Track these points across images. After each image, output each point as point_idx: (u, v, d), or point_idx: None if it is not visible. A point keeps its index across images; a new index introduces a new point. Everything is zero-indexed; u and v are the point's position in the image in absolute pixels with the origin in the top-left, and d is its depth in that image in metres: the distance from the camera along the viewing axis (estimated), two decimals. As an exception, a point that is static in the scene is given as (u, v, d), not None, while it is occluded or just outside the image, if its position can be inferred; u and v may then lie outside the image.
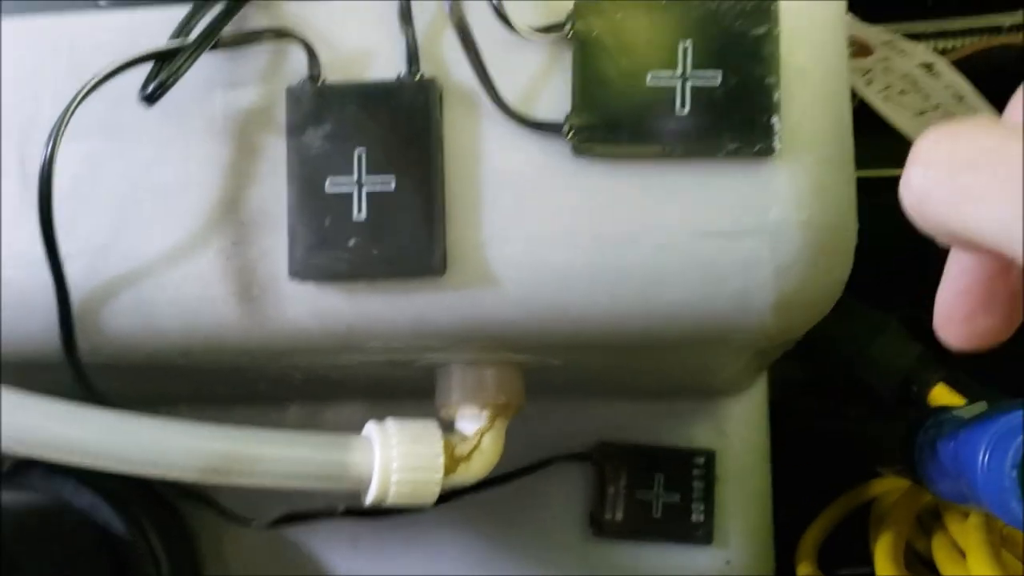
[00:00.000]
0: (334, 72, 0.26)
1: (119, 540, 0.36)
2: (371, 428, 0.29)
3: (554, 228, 0.25)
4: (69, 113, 0.25)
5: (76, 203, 0.27)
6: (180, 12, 0.26)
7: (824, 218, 0.25)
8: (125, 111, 0.27)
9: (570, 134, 0.25)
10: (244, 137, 0.26)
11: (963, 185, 0.16)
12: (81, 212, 0.27)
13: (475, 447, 0.31)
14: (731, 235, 0.25)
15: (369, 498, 0.29)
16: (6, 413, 0.25)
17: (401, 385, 0.35)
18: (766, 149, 0.24)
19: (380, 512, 0.38)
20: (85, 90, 0.25)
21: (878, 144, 0.28)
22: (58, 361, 0.28)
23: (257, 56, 0.26)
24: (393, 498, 0.29)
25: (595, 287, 0.26)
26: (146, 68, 0.25)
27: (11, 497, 0.35)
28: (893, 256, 0.42)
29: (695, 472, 0.41)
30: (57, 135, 0.25)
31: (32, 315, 0.27)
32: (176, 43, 0.25)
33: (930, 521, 0.43)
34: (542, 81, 0.25)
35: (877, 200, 0.27)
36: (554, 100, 0.25)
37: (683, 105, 0.24)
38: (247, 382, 0.36)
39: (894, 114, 0.31)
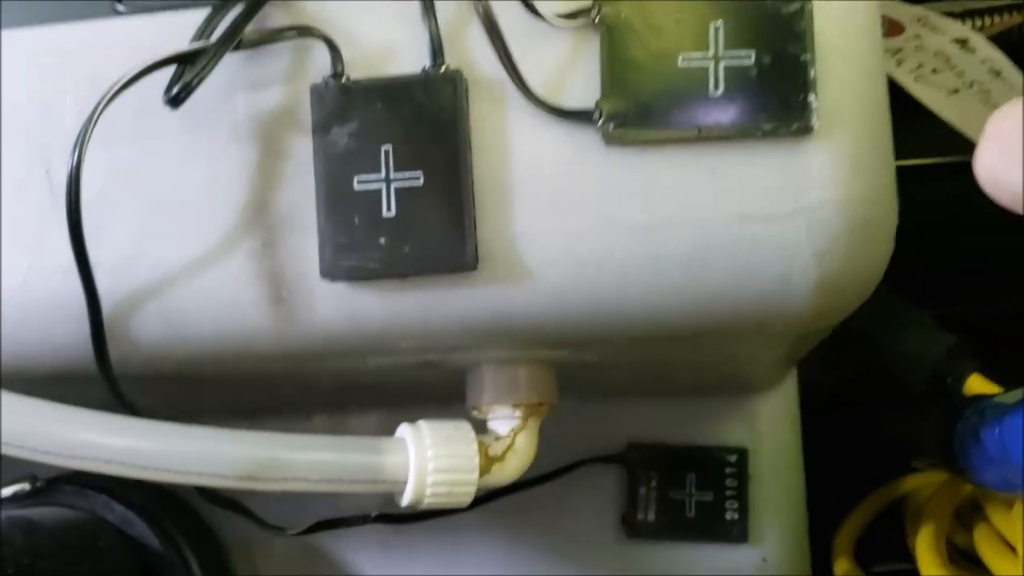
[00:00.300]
0: (358, 69, 0.25)
1: (153, 554, 0.36)
2: (405, 430, 0.29)
3: (587, 218, 0.25)
4: (94, 120, 0.25)
5: (103, 212, 0.27)
6: (200, 15, 0.26)
7: (864, 198, 0.25)
8: (149, 118, 0.27)
9: (601, 121, 0.25)
10: (269, 138, 0.26)
11: None
12: (108, 221, 0.27)
13: (509, 447, 0.31)
14: (769, 218, 0.24)
15: (405, 500, 0.28)
16: (44, 424, 0.25)
17: (430, 390, 0.35)
18: (804, 128, 0.24)
19: (411, 517, 0.38)
20: (109, 95, 0.25)
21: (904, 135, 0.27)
22: (89, 373, 0.27)
23: (279, 56, 0.26)
24: (429, 500, 0.28)
25: (631, 277, 0.25)
26: (168, 72, 0.25)
27: (44, 513, 0.35)
28: (924, 249, 0.42)
29: (727, 470, 0.40)
30: (83, 143, 0.25)
31: (62, 326, 0.27)
32: (199, 44, 0.25)
33: (968, 515, 0.43)
34: (570, 69, 0.25)
35: (905, 191, 0.26)
36: (583, 88, 0.25)
37: (716, 86, 0.24)
38: (274, 391, 0.36)
39: (926, 94, 0.30)
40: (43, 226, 0.27)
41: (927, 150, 0.46)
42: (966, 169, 0.48)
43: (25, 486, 0.36)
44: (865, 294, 0.26)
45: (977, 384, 0.42)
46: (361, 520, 0.35)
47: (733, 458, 0.40)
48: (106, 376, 0.27)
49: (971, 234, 0.50)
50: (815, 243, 0.25)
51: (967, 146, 0.45)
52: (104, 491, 0.37)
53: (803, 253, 0.25)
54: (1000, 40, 0.30)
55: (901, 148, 0.27)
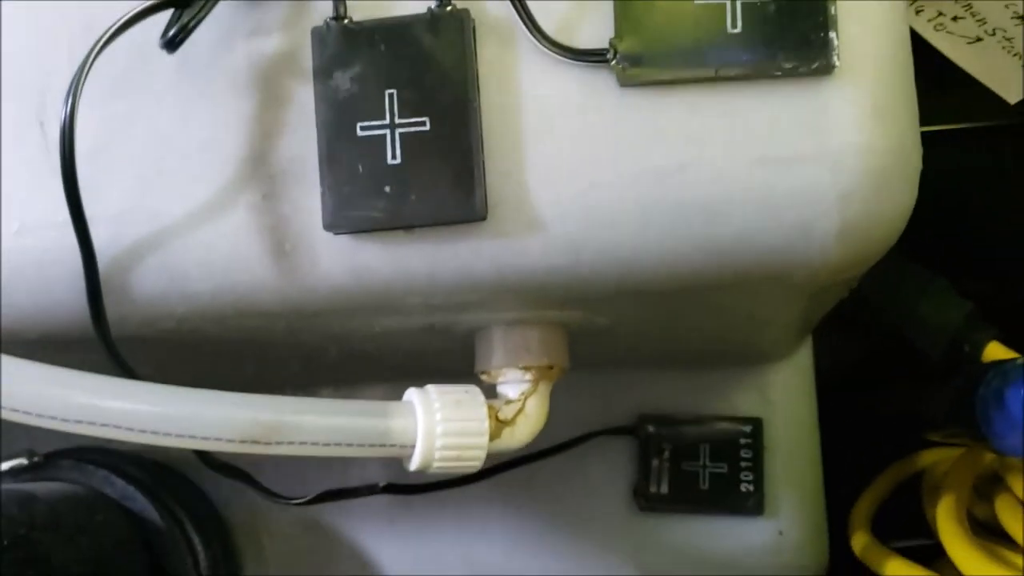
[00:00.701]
0: (360, 10, 0.24)
1: (154, 529, 0.35)
2: (412, 394, 0.28)
3: (601, 164, 0.24)
4: (87, 67, 0.24)
5: (99, 165, 0.26)
6: (197, -39, 0.25)
7: (888, 141, 0.24)
8: (146, 67, 0.26)
9: (615, 62, 0.24)
10: (269, 85, 0.25)
11: None
12: (105, 174, 0.26)
13: (520, 411, 0.30)
14: (790, 162, 0.24)
15: (414, 465, 0.27)
16: (38, 386, 0.24)
17: (438, 362, 0.34)
18: (825, 67, 0.23)
19: (419, 488, 0.37)
20: (102, 41, 0.24)
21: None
22: (86, 334, 0.27)
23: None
24: (438, 464, 0.27)
25: (646, 225, 0.24)
26: (164, 19, 0.24)
27: (43, 487, 0.34)
28: (942, 216, 0.41)
29: (742, 441, 0.40)
30: (76, 92, 0.24)
31: (58, 284, 0.26)
32: (196, -13, 0.24)
33: (988, 487, 0.42)
34: (582, 7, 0.24)
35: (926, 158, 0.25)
36: (596, 27, 0.24)
37: (734, 24, 0.23)
38: (279, 361, 0.35)
39: (946, 44, 0.29)
40: (37, 180, 0.26)
41: (942, 118, 0.46)
42: (980, 136, 0.47)
43: (23, 460, 0.36)
44: (889, 242, 0.25)
45: (996, 352, 0.41)
46: (368, 490, 0.34)
47: (748, 429, 0.39)
48: (102, 336, 0.26)
49: (987, 204, 0.49)
50: (837, 188, 0.24)
51: (978, 113, 0.45)
52: (104, 466, 0.36)
53: (825, 199, 0.24)
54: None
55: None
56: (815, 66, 0.23)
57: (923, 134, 0.25)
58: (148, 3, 0.24)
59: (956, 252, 0.48)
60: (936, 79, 0.34)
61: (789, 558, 0.40)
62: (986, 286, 0.47)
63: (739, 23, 0.23)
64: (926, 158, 0.25)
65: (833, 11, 0.23)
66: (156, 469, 0.38)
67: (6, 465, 0.36)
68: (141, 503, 0.35)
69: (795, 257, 0.24)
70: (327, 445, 0.26)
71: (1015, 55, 0.29)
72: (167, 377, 0.30)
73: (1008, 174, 0.47)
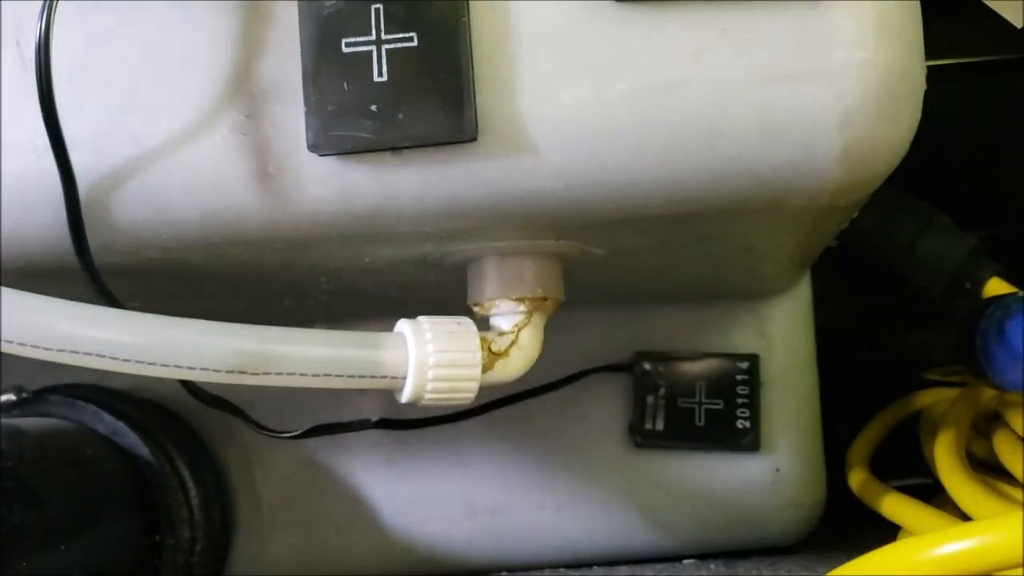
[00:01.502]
0: (347, -77, 0.24)
1: (144, 465, 0.35)
2: (404, 325, 0.27)
3: (596, 83, 0.23)
4: (62, -18, 0.23)
5: (78, 86, 0.25)
6: None
7: (891, 59, 0.23)
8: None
9: (610, -25, 0.23)
10: (252, 2, 0.24)
11: None
12: (84, 95, 0.25)
13: (513, 342, 0.29)
14: (791, 79, 0.23)
15: (405, 396, 0.27)
16: (17, 313, 0.23)
17: (430, 297, 0.34)
18: (827, -22, 0.22)
19: (413, 424, 0.36)
20: (78, -45, 0.23)
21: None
22: (68, 263, 0.26)
23: (263, -89, 0.24)
24: (430, 396, 0.27)
25: (643, 145, 0.23)
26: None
27: (31, 422, 0.34)
28: (945, 152, 0.40)
29: (738, 377, 0.39)
30: (51, 8, 0.23)
31: (38, 210, 0.26)
32: (174, -103, 0.23)
33: (986, 425, 0.42)
34: (577, -82, 0.23)
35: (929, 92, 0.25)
36: (591, -61, 0.23)
37: (734, -66, 0.22)
38: (270, 296, 0.34)
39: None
40: (15, 102, 0.25)
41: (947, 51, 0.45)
42: (984, 70, 0.46)
43: (12, 396, 0.35)
44: (892, 163, 0.24)
45: (997, 287, 0.41)
46: (361, 425, 0.34)
47: (744, 365, 0.39)
48: (85, 263, 0.26)
49: (991, 139, 0.49)
50: (839, 106, 0.23)
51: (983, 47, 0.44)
52: (94, 402, 0.36)
53: (827, 118, 0.23)
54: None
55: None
56: (818, -21, 0.22)
57: (932, 67, 0.25)
58: (124, -87, 0.23)
59: (959, 187, 0.48)
60: (941, 10, 0.33)
61: (786, 495, 0.40)
62: (989, 222, 0.46)
63: (739, -67, 0.22)
64: (929, 93, 0.24)
65: (837, -78, 0.22)
66: (147, 406, 0.37)
67: (-5, 400, 0.36)
68: (131, 439, 0.35)
69: (796, 178, 0.24)
70: (316, 376, 0.26)
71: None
72: (156, 312, 0.29)
73: (1013, 108, 0.47)
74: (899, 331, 0.45)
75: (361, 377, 0.27)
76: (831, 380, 0.42)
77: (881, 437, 0.45)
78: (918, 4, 0.24)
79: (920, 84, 0.24)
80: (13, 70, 0.25)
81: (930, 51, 0.24)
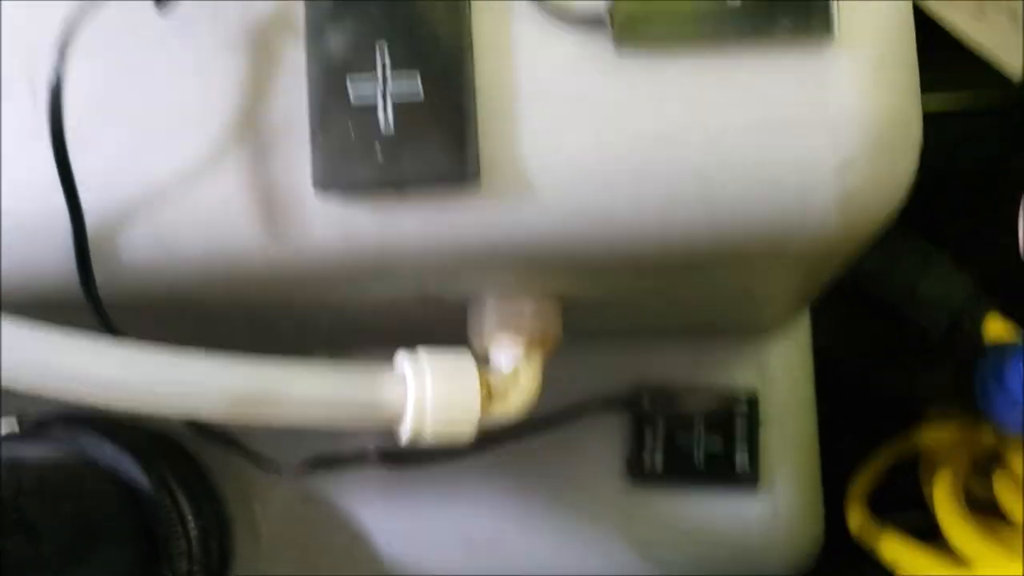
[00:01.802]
0: (354, -31, 0.24)
1: (144, 496, 0.35)
2: (404, 361, 0.28)
3: (596, 130, 0.24)
4: (77, 24, 0.23)
5: (89, 124, 0.25)
6: (190, -81, 0.24)
7: (888, 108, 0.23)
8: (138, 28, 0.25)
9: (612, 24, 0.23)
10: (261, 45, 0.25)
11: None
12: (94, 134, 0.25)
13: (512, 381, 0.29)
14: (788, 128, 0.23)
15: (404, 434, 0.27)
16: (19, 347, 0.23)
17: (432, 330, 0.34)
18: (824, 33, 0.23)
19: (412, 460, 0.37)
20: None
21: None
22: (75, 298, 0.26)
23: (272, -44, 0.25)
24: (430, 435, 0.27)
25: (642, 192, 0.24)
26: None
27: (31, 451, 0.34)
28: (943, 188, 0.41)
29: (737, 415, 0.39)
30: (65, 49, 0.24)
31: (46, 246, 0.26)
32: (186, -56, 0.23)
33: (986, 464, 0.42)
34: (580, -31, 0.24)
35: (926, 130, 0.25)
36: (593, -11, 0.23)
37: (733, -14, 0.23)
38: (271, 328, 0.35)
39: (949, 13, 0.29)
40: (26, 140, 0.26)
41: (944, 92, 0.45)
42: (979, 113, 0.46)
43: (14, 423, 0.35)
44: (890, 213, 0.25)
45: (996, 326, 0.41)
46: (360, 459, 0.34)
47: (743, 402, 0.39)
48: (91, 298, 0.26)
49: (984, 179, 0.49)
50: (836, 155, 0.23)
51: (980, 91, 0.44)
52: (95, 431, 0.36)
53: (823, 167, 0.23)
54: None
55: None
56: (814, 32, 0.23)
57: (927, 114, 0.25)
58: (138, -41, 0.23)
59: (956, 222, 0.48)
60: (939, 54, 0.33)
61: (784, 534, 0.40)
62: (987, 257, 0.46)
63: (739, -14, 0.23)
64: (927, 132, 0.25)
65: (835, -25, 0.23)
66: (148, 435, 0.37)
67: (-3, 429, 0.36)
68: (131, 469, 0.35)
69: (792, 226, 0.24)
70: (315, 414, 0.26)
71: (1019, 28, 0.29)
72: (159, 342, 0.29)
73: (1008, 146, 0.47)
74: (900, 366, 0.45)
75: (360, 416, 0.27)
76: (831, 414, 0.42)
77: (881, 475, 0.45)
78: (915, 54, 0.24)
79: (917, 133, 0.24)
80: (26, 106, 0.26)
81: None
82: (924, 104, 0.25)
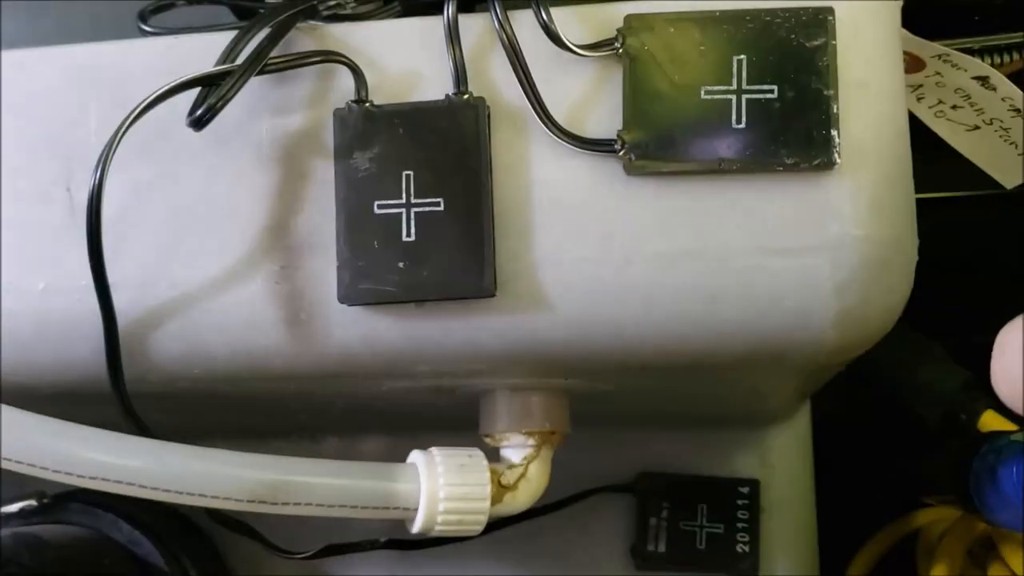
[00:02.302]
0: (381, 94, 0.26)
1: (159, 574, 0.36)
2: (417, 457, 0.29)
3: (607, 248, 0.25)
4: (118, 139, 0.25)
5: (123, 231, 0.27)
6: (226, 38, 0.26)
7: (884, 234, 0.25)
8: (173, 139, 0.27)
9: (622, 151, 0.25)
10: (292, 161, 0.26)
11: None
12: (128, 240, 0.27)
13: (522, 475, 0.30)
14: (790, 252, 0.24)
15: (416, 528, 0.28)
16: (50, 440, 0.25)
17: (442, 415, 0.35)
18: (826, 163, 0.24)
19: (421, 544, 0.37)
20: (134, 115, 0.25)
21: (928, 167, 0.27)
22: (103, 391, 0.27)
23: (304, 80, 0.26)
24: (440, 528, 0.28)
25: (650, 307, 0.25)
26: (192, 94, 0.25)
27: (51, 531, 0.35)
28: (939, 280, 0.42)
29: (739, 502, 0.40)
30: (105, 161, 0.25)
31: (78, 344, 0.27)
32: (224, 67, 0.25)
33: (982, 553, 0.42)
34: (592, 98, 0.25)
35: (923, 223, 0.26)
36: (605, 118, 0.25)
37: (739, 119, 0.24)
38: (288, 413, 0.36)
39: (946, 130, 0.30)
40: (62, 244, 0.27)
41: (946, 184, 0.46)
42: (982, 203, 0.47)
43: (32, 502, 0.36)
44: (884, 331, 0.26)
45: (992, 420, 0.42)
46: (370, 545, 0.35)
47: (745, 490, 0.40)
48: (119, 395, 0.27)
49: (988, 265, 0.50)
50: (835, 278, 0.24)
51: (986, 181, 0.45)
52: (112, 510, 0.37)
53: (823, 288, 0.25)
54: (1020, 78, 0.30)
55: (920, 180, 0.27)
56: (816, 163, 0.24)
57: (922, 200, 0.26)
58: (178, 81, 0.25)
59: (958, 314, 0.49)
60: (945, 147, 0.34)
61: (782, 621, 0.40)
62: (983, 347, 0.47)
63: (744, 119, 0.24)
64: (923, 221, 0.26)
65: (836, 110, 0.24)
66: (164, 515, 0.38)
67: (17, 506, 0.37)
68: (147, 549, 0.36)
69: (793, 343, 0.25)
70: (331, 507, 0.27)
71: (1011, 143, 0.30)
72: (179, 423, 0.30)
73: (1004, 236, 0.48)
74: (898, 454, 0.46)
75: (374, 508, 0.28)
76: (829, 500, 0.43)
77: (878, 559, 0.46)
78: (911, 181, 0.26)
79: (912, 255, 0.26)
80: (63, 213, 0.27)
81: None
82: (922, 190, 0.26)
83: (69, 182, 0.27)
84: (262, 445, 0.31)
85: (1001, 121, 0.29)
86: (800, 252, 0.24)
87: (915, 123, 0.26)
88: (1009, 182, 0.31)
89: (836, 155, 0.24)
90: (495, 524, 0.38)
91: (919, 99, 0.30)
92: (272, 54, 0.25)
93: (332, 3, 0.28)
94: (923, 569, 0.43)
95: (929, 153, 0.28)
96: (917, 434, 0.45)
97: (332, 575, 0.40)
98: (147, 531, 0.37)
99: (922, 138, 0.26)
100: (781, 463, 0.41)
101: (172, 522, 0.39)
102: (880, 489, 0.47)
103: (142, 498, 0.26)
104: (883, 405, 0.45)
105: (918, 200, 0.26)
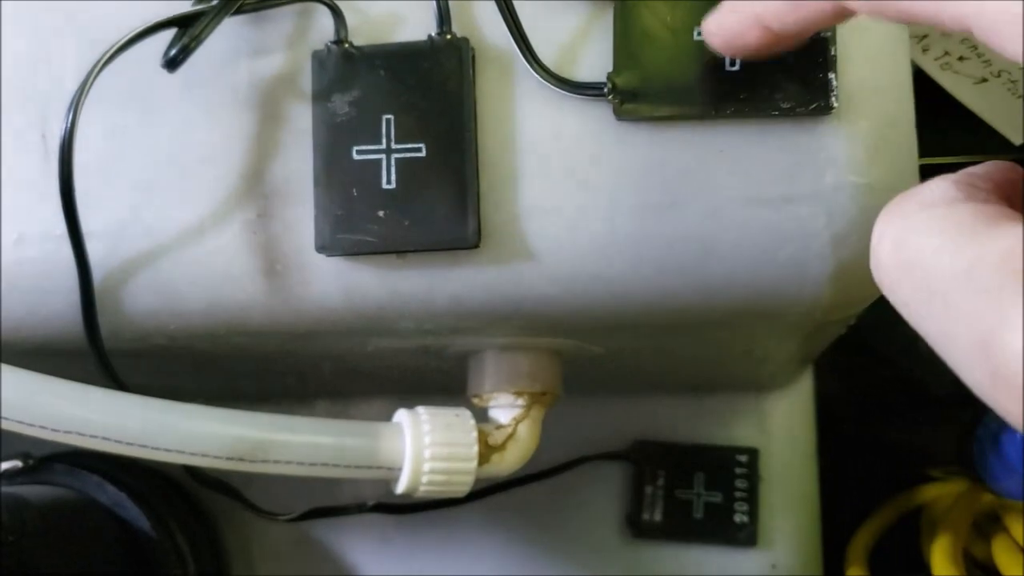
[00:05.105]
0: (361, 35, 0.25)
1: (144, 537, 0.35)
2: (402, 415, 0.28)
3: (595, 197, 0.24)
4: (90, 81, 0.24)
5: (98, 178, 0.26)
6: (202, -19, 0.25)
7: (885, 182, 0.24)
8: (148, 83, 0.26)
9: (612, 95, 0.24)
10: (269, 106, 0.25)
11: None
12: (103, 188, 0.26)
13: (510, 436, 0.30)
14: (785, 201, 0.23)
15: (400, 487, 0.27)
16: (27, 394, 0.24)
17: (431, 379, 0.34)
18: (823, 107, 0.23)
19: (410, 508, 0.37)
20: (105, 58, 0.24)
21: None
22: (79, 345, 0.27)
23: (281, 21, 0.25)
24: (425, 488, 0.27)
25: (639, 259, 0.24)
26: (168, 36, 0.24)
27: (35, 491, 0.34)
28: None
29: (737, 471, 0.39)
30: (77, 105, 0.24)
31: (52, 295, 0.26)
32: (199, 7, 0.24)
33: (987, 525, 0.42)
34: (581, 41, 0.24)
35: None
36: (594, 61, 0.24)
37: (733, 62, 0.23)
38: (274, 376, 0.35)
39: (952, 83, 0.29)
40: (37, 192, 0.26)
41: (950, 148, 0.45)
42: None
43: (18, 463, 0.36)
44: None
45: (998, 390, 0.41)
46: (357, 508, 0.34)
47: (744, 458, 0.39)
48: (95, 348, 0.26)
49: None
50: (832, 228, 0.23)
51: (987, 147, 0.44)
52: (97, 472, 0.36)
53: (819, 239, 0.24)
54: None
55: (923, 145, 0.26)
56: (813, 107, 0.23)
57: (925, 166, 0.25)
58: (151, 23, 0.24)
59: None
60: (941, 113, 0.33)
61: (782, 591, 0.39)
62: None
63: (738, 61, 0.23)
64: None
65: (834, 52, 0.23)
66: (150, 477, 0.38)
67: (2, 467, 0.36)
68: (133, 511, 0.35)
69: (787, 297, 0.24)
70: (313, 465, 0.26)
71: (1019, 97, 0.29)
72: (163, 387, 0.30)
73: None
74: (902, 423, 0.45)
75: (357, 467, 0.27)
76: (832, 470, 0.42)
77: (881, 533, 0.45)
78: (913, 125, 0.25)
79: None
80: (37, 161, 0.26)
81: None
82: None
83: (44, 128, 0.26)
84: (251, 409, 0.30)
85: (1009, 73, 0.28)
86: (795, 201, 0.23)
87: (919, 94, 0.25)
88: (1017, 137, 0.30)
89: (834, 99, 0.23)
90: (488, 489, 0.37)
91: (924, 50, 0.29)
92: (249, -6, 0.24)
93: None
94: (926, 543, 0.42)
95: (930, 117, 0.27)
96: (923, 401, 0.44)
97: (321, 539, 0.39)
98: (133, 494, 0.36)
99: (924, 104, 0.25)
100: (781, 431, 0.40)
101: (160, 485, 0.38)
102: (884, 462, 0.46)
103: (121, 455, 0.25)
104: (887, 372, 0.44)
105: (920, 167, 0.25)
